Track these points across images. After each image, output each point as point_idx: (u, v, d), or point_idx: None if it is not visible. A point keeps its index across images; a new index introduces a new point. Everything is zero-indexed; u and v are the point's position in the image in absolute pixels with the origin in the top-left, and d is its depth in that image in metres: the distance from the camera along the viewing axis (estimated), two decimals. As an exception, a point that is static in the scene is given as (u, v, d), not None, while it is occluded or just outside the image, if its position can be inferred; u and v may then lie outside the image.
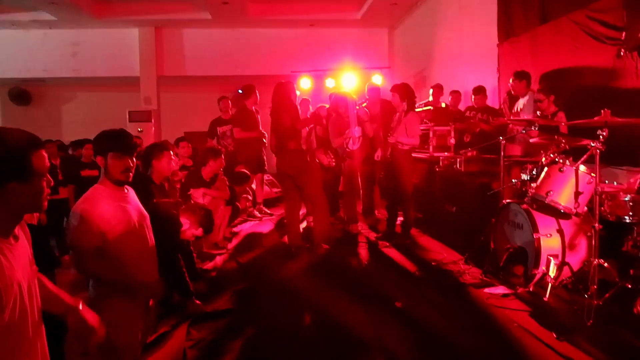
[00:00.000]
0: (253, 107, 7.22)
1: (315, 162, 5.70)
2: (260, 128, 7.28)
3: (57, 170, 6.01)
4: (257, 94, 7.17)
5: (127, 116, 10.67)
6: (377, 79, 9.23)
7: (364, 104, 6.29)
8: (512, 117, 5.51)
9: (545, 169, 3.76)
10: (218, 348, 3.18)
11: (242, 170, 6.92)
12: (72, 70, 11.21)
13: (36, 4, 9.25)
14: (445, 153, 6.19)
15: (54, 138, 7.79)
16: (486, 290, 3.91)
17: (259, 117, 7.30)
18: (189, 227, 3.65)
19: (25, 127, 1.60)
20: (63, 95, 13.07)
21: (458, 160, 5.61)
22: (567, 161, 3.57)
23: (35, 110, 12.89)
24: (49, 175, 1.62)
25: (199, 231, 3.74)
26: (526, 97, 5.58)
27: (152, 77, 11.16)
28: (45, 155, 1.60)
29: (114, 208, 2.40)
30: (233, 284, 4.38)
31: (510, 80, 5.62)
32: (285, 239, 5.55)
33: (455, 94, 7.35)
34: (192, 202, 5.13)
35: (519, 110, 5.55)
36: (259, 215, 7.30)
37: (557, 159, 3.66)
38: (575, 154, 3.69)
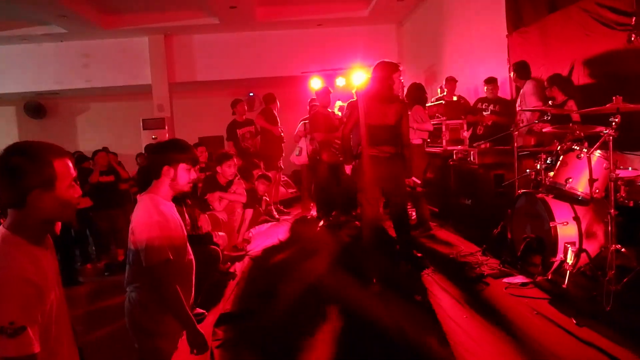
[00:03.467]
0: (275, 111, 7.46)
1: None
2: (280, 129, 7.48)
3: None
4: (277, 103, 7.53)
5: (141, 124, 10.81)
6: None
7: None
8: (522, 108, 5.52)
9: (562, 157, 3.78)
10: (244, 348, 3.24)
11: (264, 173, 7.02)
12: (84, 81, 11.38)
13: (47, 18, 9.43)
14: (459, 146, 6.21)
15: (70, 149, 7.95)
16: (505, 280, 3.94)
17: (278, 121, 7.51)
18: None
19: (41, 140, 1.64)
20: (77, 106, 13.27)
21: (472, 153, 5.62)
22: (584, 148, 3.58)
23: (51, 122, 13.11)
24: (76, 185, 1.66)
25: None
26: (526, 86, 5.59)
27: (164, 84, 11.29)
28: (70, 163, 1.64)
29: (173, 220, 2.36)
30: (254, 285, 4.45)
31: (511, 74, 5.69)
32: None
33: (450, 83, 7.34)
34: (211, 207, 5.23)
35: (530, 101, 5.55)
36: (277, 215, 7.40)
37: (573, 147, 3.68)
38: (588, 141, 3.71)
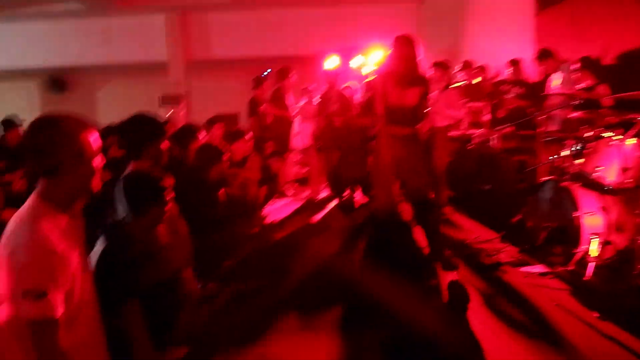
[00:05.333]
0: (289, 89, 7.30)
1: None
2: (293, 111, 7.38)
3: None
4: (294, 76, 7.29)
5: (158, 101, 10.83)
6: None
7: None
8: (550, 92, 5.32)
9: (591, 143, 3.61)
10: (253, 326, 3.20)
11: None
12: (103, 57, 11.45)
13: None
14: (479, 130, 6.03)
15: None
16: (523, 269, 3.82)
17: (292, 99, 7.39)
18: None
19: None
20: (97, 82, 13.34)
21: (493, 137, 5.45)
22: (616, 135, 3.41)
23: (71, 97, 13.21)
24: (100, 157, 1.72)
25: None
26: (560, 72, 5.37)
27: (180, 61, 11.29)
28: (96, 136, 1.71)
29: None
30: (266, 262, 4.41)
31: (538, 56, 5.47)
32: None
33: (467, 67, 7.01)
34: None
35: (556, 86, 5.34)
36: (290, 193, 7.39)
37: (604, 133, 3.51)
38: (621, 128, 3.53)
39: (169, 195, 2.46)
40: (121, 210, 2.63)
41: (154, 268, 2.40)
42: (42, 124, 1.63)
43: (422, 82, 4.06)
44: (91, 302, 1.75)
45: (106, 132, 6.43)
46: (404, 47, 3.97)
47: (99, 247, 2.30)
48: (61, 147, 1.59)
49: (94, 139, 1.68)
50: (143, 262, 2.34)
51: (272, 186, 6.28)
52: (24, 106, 12.40)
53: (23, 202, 1.64)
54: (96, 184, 1.70)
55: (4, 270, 1.52)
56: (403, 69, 3.99)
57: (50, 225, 1.56)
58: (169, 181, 2.47)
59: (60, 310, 1.51)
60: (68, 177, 1.61)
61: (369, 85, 4.32)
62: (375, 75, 4.52)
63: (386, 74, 4.16)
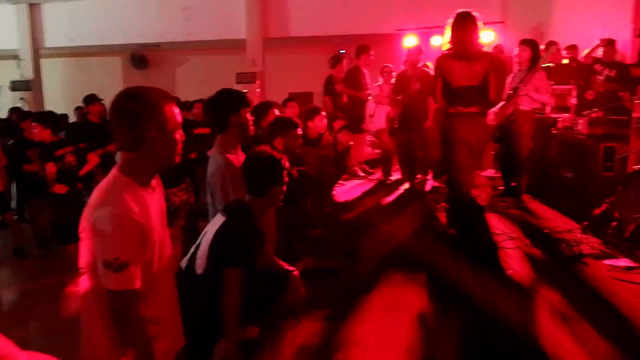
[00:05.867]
0: (365, 68, 7.24)
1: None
2: (368, 90, 7.30)
3: None
4: (370, 54, 7.18)
5: (235, 78, 11.09)
6: (489, 35, 8.66)
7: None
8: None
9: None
10: (327, 306, 3.27)
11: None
12: (184, 34, 11.80)
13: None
14: (566, 114, 5.71)
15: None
16: (607, 262, 3.64)
17: (368, 78, 7.30)
18: None
19: None
20: (177, 58, 13.87)
21: (580, 121, 5.15)
22: None
23: (152, 73, 13.86)
24: (182, 130, 1.72)
25: None
26: None
27: (258, 39, 11.43)
28: (177, 109, 1.71)
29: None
30: (339, 243, 4.48)
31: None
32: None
33: (551, 47, 6.53)
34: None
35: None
36: (362, 174, 7.38)
37: None
38: None
39: (286, 177, 2.55)
40: (215, 187, 2.76)
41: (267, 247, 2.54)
42: (128, 95, 1.64)
43: (484, 59, 4.01)
44: (169, 275, 1.80)
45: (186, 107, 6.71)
46: (463, 24, 3.94)
47: (217, 221, 2.43)
48: (147, 117, 1.60)
49: (175, 112, 1.68)
50: (259, 240, 2.47)
51: (342, 163, 6.30)
52: (108, 82, 13.19)
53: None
54: (177, 156, 1.72)
55: (88, 241, 1.58)
56: (463, 47, 3.96)
57: (132, 197, 1.57)
58: (286, 162, 2.55)
59: (139, 282, 1.55)
60: (152, 147, 1.61)
61: (436, 66, 4.30)
62: (439, 55, 4.47)
63: (447, 53, 4.15)
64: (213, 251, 2.31)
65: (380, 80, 7.71)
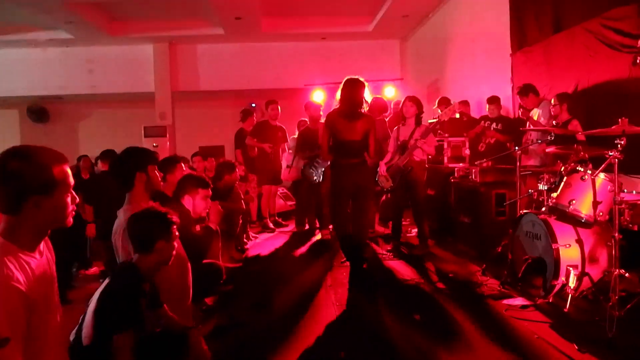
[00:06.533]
0: (275, 122, 7.40)
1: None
2: (285, 144, 7.44)
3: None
4: (278, 108, 7.40)
5: (143, 131, 10.81)
6: (391, 91, 9.27)
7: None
8: (527, 128, 5.50)
9: (565, 178, 3.74)
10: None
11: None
12: (88, 87, 11.43)
13: (55, 24, 9.47)
14: (460, 164, 6.17)
15: (73, 154, 7.91)
16: (505, 301, 3.87)
17: (283, 131, 7.52)
18: None
19: (43, 144, 1.65)
20: (80, 111, 13.28)
21: (473, 170, 5.58)
22: (588, 170, 3.54)
23: (53, 127, 13.10)
24: (73, 192, 1.65)
25: None
26: (540, 108, 5.57)
27: (167, 92, 11.31)
28: (68, 170, 1.63)
29: None
30: (250, 296, 4.38)
31: (518, 98, 5.69)
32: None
33: (443, 104, 7.08)
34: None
35: (536, 121, 5.53)
36: (273, 227, 7.36)
37: (577, 168, 3.64)
38: (593, 163, 3.67)
39: (176, 232, 2.45)
40: (116, 246, 2.64)
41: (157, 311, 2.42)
42: (13, 154, 1.54)
43: (365, 119, 4.66)
44: (57, 348, 1.69)
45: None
46: (351, 87, 4.61)
47: (103, 285, 2.29)
48: (30, 179, 1.51)
49: (66, 174, 1.60)
50: (148, 299, 2.35)
51: (249, 218, 6.28)
52: (3, 136, 12.31)
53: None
54: (64, 221, 1.63)
55: None
56: (348, 108, 4.59)
57: (14, 264, 1.47)
58: (175, 217, 2.46)
59: (19, 358, 1.42)
60: (34, 211, 1.52)
61: (323, 124, 4.94)
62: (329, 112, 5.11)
63: (335, 110, 4.81)
64: (97, 317, 2.15)
65: (297, 133, 7.86)
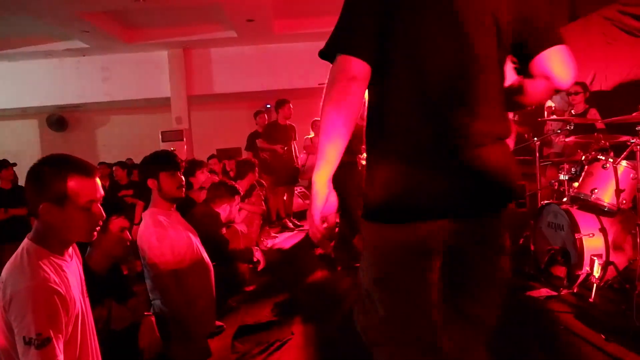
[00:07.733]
0: (286, 121, 7.39)
1: None
2: (294, 142, 7.45)
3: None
4: (290, 108, 7.33)
5: (160, 137, 10.93)
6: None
7: None
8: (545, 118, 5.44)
9: (586, 167, 3.70)
10: None
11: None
12: (105, 94, 11.58)
13: (70, 34, 9.63)
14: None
15: (92, 161, 8.02)
16: (529, 293, 3.84)
17: (293, 129, 7.51)
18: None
19: (63, 152, 1.68)
20: (97, 119, 13.48)
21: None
22: (610, 158, 3.50)
23: (72, 135, 13.34)
24: (98, 209, 1.62)
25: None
26: (557, 97, 5.51)
27: (183, 96, 11.42)
28: (93, 184, 1.62)
29: (177, 233, 2.48)
30: (272, 296, 4.42)
31: None
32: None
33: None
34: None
35: (553, 111, 5.47)
36: (292, 226, 7.41)
37: (599, 157, 3.60)
38: (614, 151, 3.63)
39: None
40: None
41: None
42: (42, 161, 1.60)
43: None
44: (93, 345, 1.72)
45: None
46: None
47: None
48: (43, 187, 1.54)
49: (85, 186, 1.59)
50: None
51: (268, 218, 6.33)
52: (25, 145, 12.58)
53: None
54: (84, 235, 1.63)
55: (1, 319, 1.46)
56: None
57: (49, 266, 1.51)
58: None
59: (61, 357, 1.47)
60: (47, 217, 1.55)
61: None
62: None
63: None
64: None
65: (312, 133, 7.88)
